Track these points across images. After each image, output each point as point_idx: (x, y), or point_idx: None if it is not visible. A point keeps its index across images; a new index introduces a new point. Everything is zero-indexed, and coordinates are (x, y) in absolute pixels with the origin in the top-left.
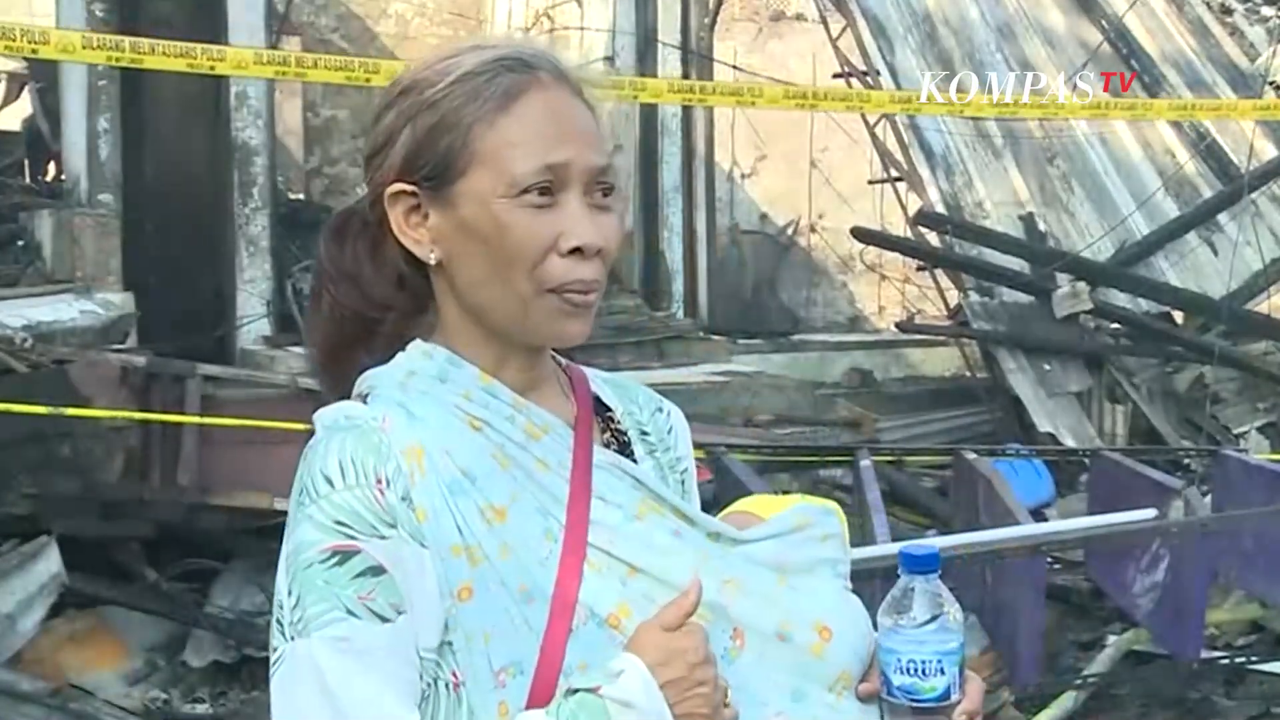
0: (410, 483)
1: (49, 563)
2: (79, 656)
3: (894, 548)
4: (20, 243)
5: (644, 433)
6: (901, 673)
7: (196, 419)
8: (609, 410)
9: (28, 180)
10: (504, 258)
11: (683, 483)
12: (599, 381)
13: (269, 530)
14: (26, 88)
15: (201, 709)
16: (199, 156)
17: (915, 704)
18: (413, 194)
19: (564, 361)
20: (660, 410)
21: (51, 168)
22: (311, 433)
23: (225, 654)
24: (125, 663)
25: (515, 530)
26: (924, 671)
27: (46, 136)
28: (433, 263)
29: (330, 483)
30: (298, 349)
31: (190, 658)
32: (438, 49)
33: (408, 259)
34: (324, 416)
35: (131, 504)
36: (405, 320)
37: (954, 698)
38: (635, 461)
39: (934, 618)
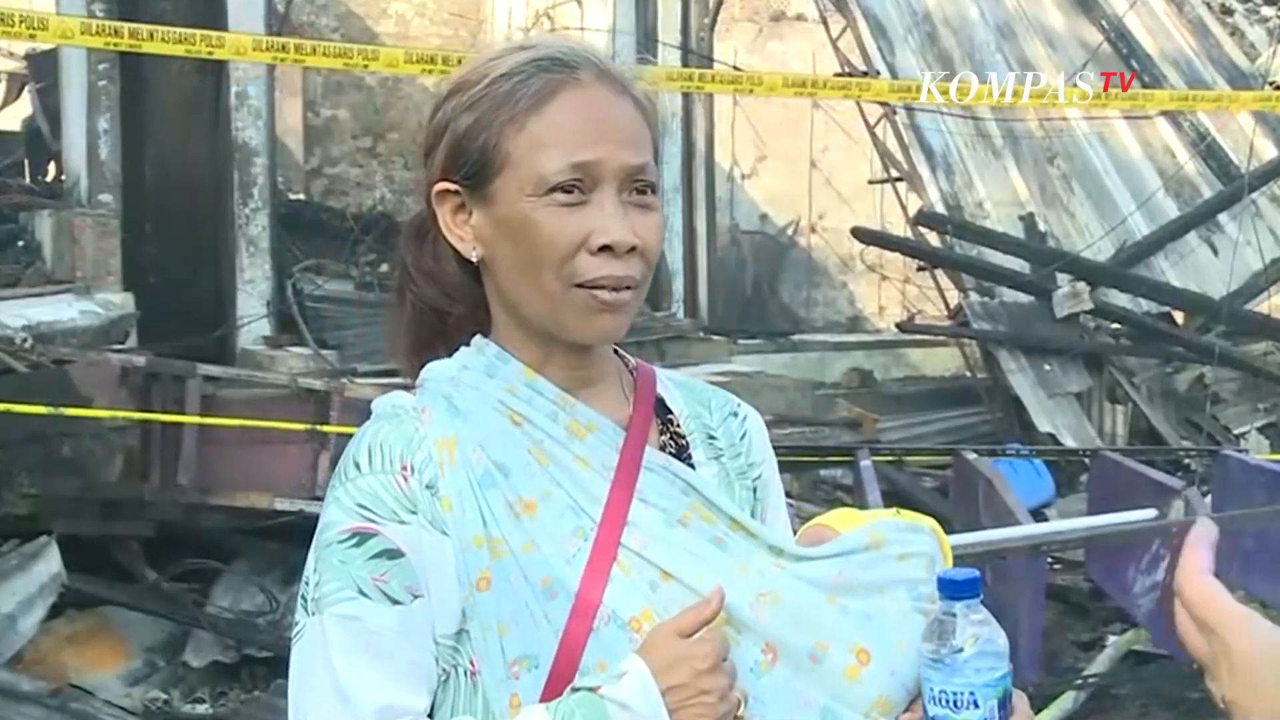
0: (439, 472)
1: (49, 563)
2: (79, 656)
3: None
4: (20, 243)
5: (711, 437)
6: (935, 703)
7: (196, 419)
8: (670, 412)
9: (28, 180)
10: (533, 256)
11: (754, 490)
12: (667, 383)
13: (269, 530)
14: (26, 88)
15: (201, 709)
16: (199, 156)
17: None
18: (456, 193)
19: (633, 362)
20: (735, 415)
21: (51, 168)
22: (311, 432)
23: (225, 654)
24: (125, 663)
25: (543, 525)
26: (956, 703)
27: (46, 136)
28: (475, 259)
29: (358, 467)
30: (298, 349)
31: (190, 658)
32: (485, 50)
33: (458, 256)
34: (376, 404)
35: (131, 504)
36: (470, 315)
37: None
38: (693, 466)
39: (972, 646)
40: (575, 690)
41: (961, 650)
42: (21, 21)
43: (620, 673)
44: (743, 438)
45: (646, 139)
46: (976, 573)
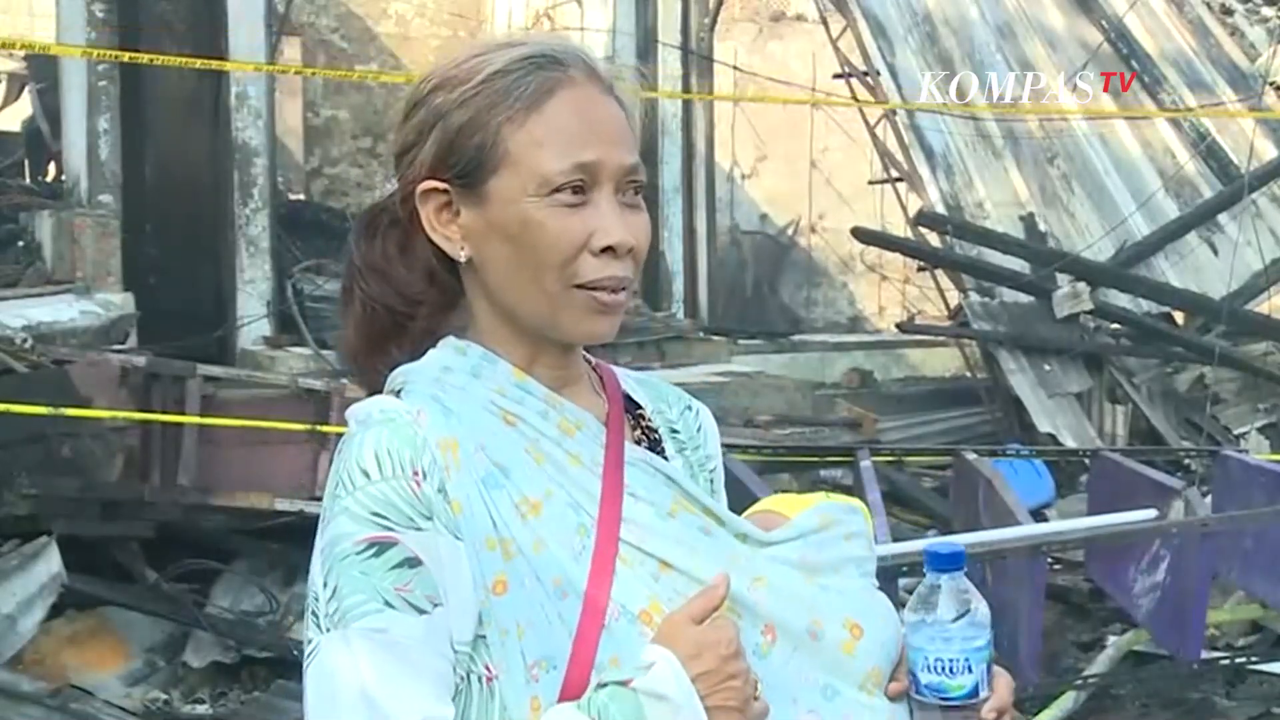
0: (445, 475)
1: (49, 563)
2: (79, 657)
3: (895, 548)
4: (20, 243)
5: (674, 431)
6: (929, 671)
7: (196, 419)
8: (639, 408)
9: (28, 180)
10: (534, 257)
11: (711, 481)
12: (629, 380)
13: (269, 530)
14: (26, 88)
15: (201, 709)
16: (199, 156)
17: (943, 702)
18: (444, 192)
19: (593, 360)
20: (690, 409)
21: (51, 168)
22: (311, 432)
23: (225, 654)
24: (125, 663)
25: (549, 525)
26: (951, 669)
27: (46, 136)
28: (463, 260)
29: (367, 475)
30: (298, 349)
31: (190, 658)
32: (465, 46)
33: (438, 256)
34: (358, 411)
35: (131, 504)
36: (436, 316)
37: (982, 694)
38: (666, 459)
39: (960, 615)
40: (603, 685)
41: (953, 620)
42: (23, 48)
43: (647, 664)
44: (699, 430)
45: (633, 138)
46: (961, 546)
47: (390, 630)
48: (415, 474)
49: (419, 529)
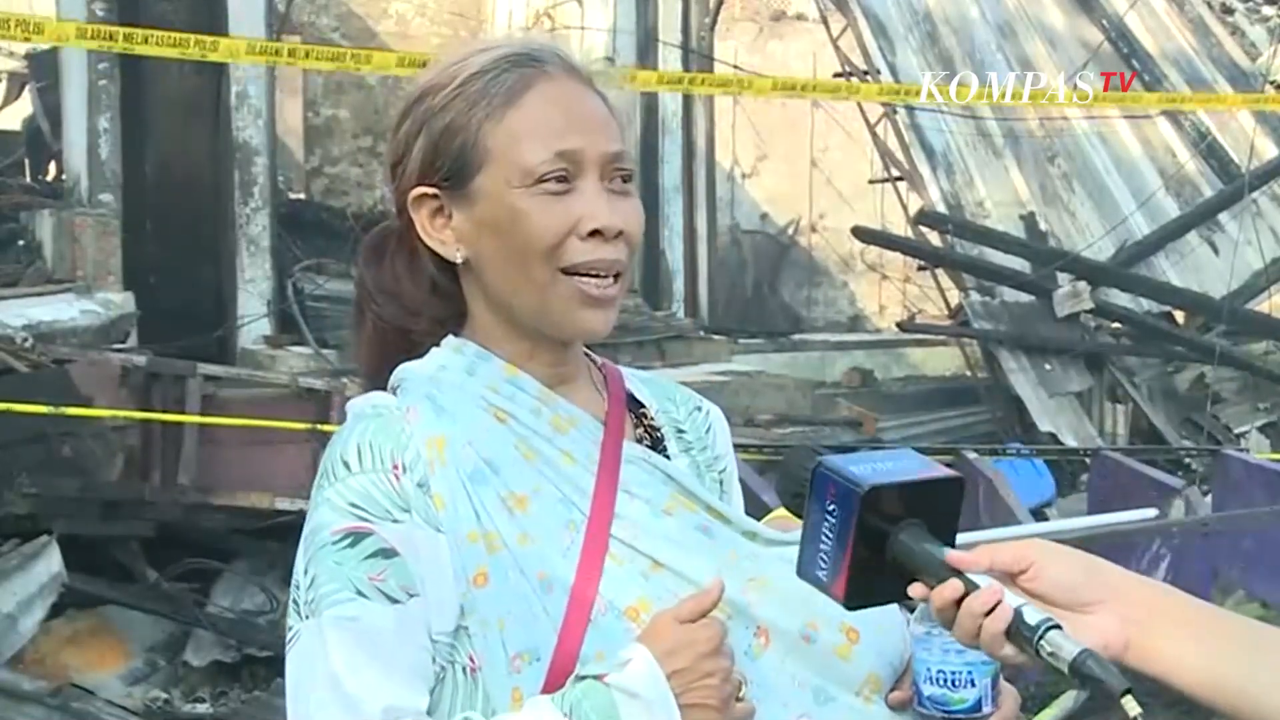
0: (429, 470)
1: (49, 563)
2: (79, 656)
3: None
4: (20, 243)
5: (680, 431)
6: (932, 683)
7: (197, 419)
8: (642, 406)
9: (28, 180)
10: (522, 247)
11: (720, 482)
12: (634, 380)
13: (269, 530)
14: (26, 88)
15: (202, 709)
16: (199, 156)
17: (945, 715)
18: (434, 196)
19: (599, 360)
20: (699, 409)
21: (51, 168)
22: (311, 432)
23: (226, 654)
24: (126, 662)
25: (536, 519)
26: (954, 683)
27: (46, 136)
28: (459, 261)
29: (348, 467)
30: (298, 348)
31: (191, 658)
32: (446, 54)
33: (437, 262)
34: (354, 405)
35: (131, 504)
36: (442, 326)
37: (986, 710)
38: (668, 458)
39: None
40: (580, 679)
41: None
42: (17, 25)
43: (624, 660)
44: (708, 431)
45: (617, 128)
46: None
47: (361, 619)
48: (395, 467)
49: (396, 521)
